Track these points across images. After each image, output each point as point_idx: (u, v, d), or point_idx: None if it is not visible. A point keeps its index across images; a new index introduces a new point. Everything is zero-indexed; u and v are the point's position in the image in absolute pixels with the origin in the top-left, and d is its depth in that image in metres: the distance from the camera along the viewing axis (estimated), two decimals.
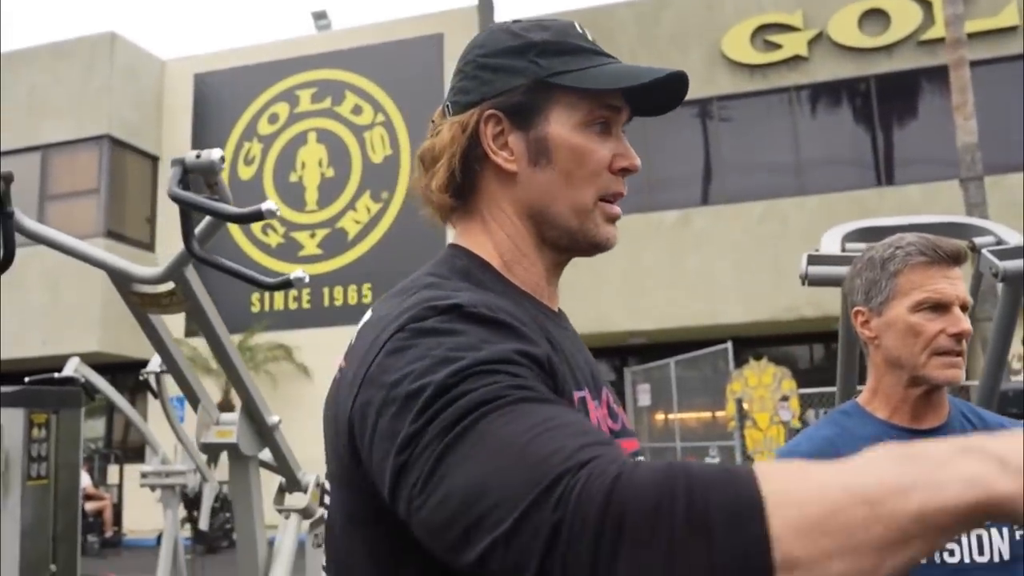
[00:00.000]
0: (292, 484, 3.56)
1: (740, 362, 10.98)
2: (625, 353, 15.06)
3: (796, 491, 0.61)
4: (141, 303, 3.11)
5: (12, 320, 14.23)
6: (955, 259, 1.49)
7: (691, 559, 0.60)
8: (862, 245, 2.39)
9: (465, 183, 0.99)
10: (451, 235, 1.07)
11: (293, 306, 14.46)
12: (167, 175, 2.39)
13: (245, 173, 15.24)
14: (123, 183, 15.27)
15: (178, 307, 3.02)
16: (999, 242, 2.72)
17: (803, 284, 2.26)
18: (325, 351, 13.72)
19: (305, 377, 13.94)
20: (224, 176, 2.46)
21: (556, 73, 0.95)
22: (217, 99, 15.74)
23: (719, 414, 11.95)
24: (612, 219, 1.03)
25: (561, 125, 0.96)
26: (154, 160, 15.69)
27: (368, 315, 0.97)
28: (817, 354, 14.16)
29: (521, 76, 0.96)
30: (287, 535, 3.33)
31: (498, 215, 1.00)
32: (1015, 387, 9.46)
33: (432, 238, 14.10)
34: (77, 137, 15.08)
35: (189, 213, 2.47)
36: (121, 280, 2.98)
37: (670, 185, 14.09)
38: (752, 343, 13.29)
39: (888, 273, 1.51)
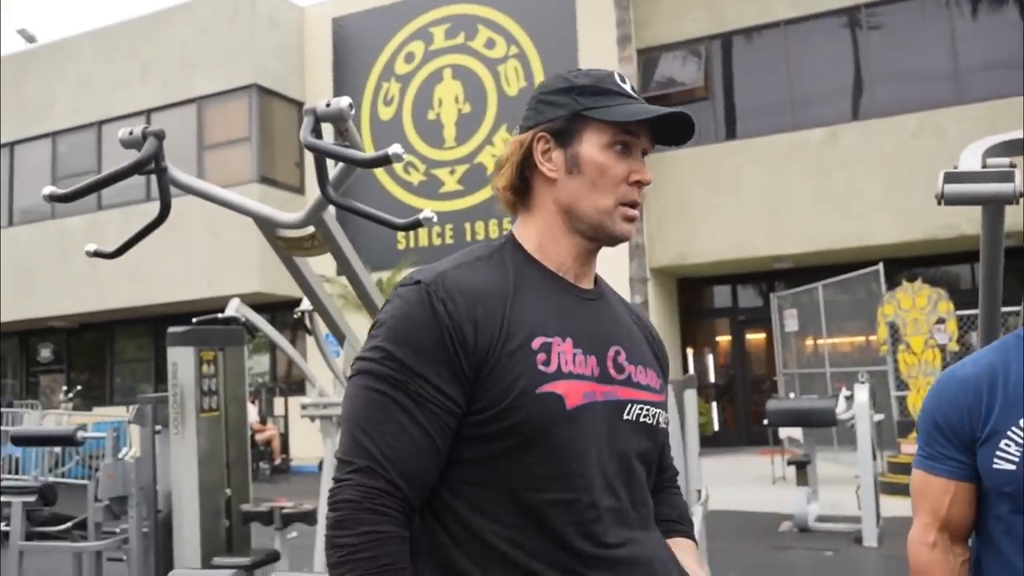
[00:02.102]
0: None
1: (892, 284, 10.52)
2: (771, 278, 14.69)
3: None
4: (286, 247, 3.29)
5: (179, 264, 15.25)
6: None
7: None
8: (1006, 160, 2.25)
9: (521, 184, 1.36)
10: None
11: (437, 242, 14.81)
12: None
13: (385, 114, 15.57)
14: (271, 130, 15.92)
15: (319, 250, 3.18)
16: None
17: (939, 204, 2.16)
18: None
19: None
20: (364, 118, 2.55)
21: (588, 108, 1.31)
22: (355, 42, 16.07)
23: (871, 338, 11.54)
24: (629, 219, 1.36)
25: (591, 146, 1.32)
26: (299, 106, 16.24)
27: None
28: (979, 273, 13.38)
29: (564, 109, 1.33)
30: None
31: (541, 210, 1.35)
32: None
33: None
34: (227, 88, 15.77)
35: (323, 160, 2.58)
36: (266, 226, 3.16)
37: (816, 102, 13.46)
38: (905, 264, 12.67)
39: None
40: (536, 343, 1.22)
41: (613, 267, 12.93)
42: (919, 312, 9.47)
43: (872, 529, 6.86)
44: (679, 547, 1.41)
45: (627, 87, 1.35)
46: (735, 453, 13.17)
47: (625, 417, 1.28)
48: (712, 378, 15.34)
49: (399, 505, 1.18)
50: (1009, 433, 1.41)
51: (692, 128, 1.36)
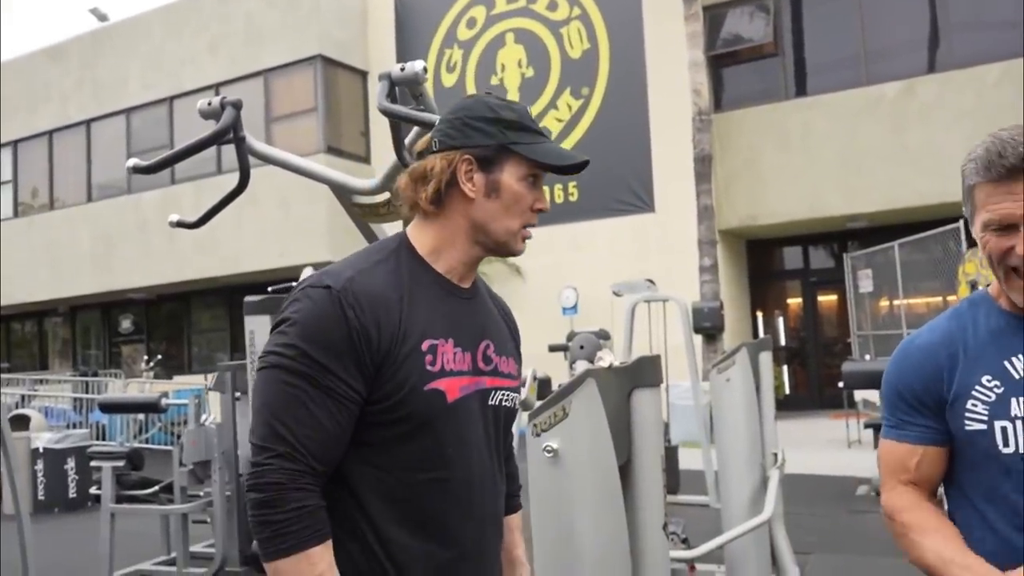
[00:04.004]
0: None
1: (973, 242, 10.16)
2: (844, 238, 14.35)
3: None
4: (361, 213, 3.31)
5: (252, 235, 15.54)
6: (1020, 170, 1.36)
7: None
8: None
9: (441, 198, 1.50)
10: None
11: None
12: (375, 90, 2.50)
13: (448, 80, 15.55)
14: (337, 100, 16.04)
15: (394, 216, 3.19)
16: None
17: None
18: (535, 250, 14.00)
19: (517, 276, 14.34)
20: (428, 85, 2.55)
21: (514, 143, 1.49)
22: (417, 9, 16.04)
23: (950, 298, 11.21)
24: (527, 238, 1.56)
25: (510, 176, 1.49)
26: (363, 75, 16.32)
27: None
28: None
29: (492, 138, 1.48)
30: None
31: (449, 220, 1.51)
32: None
33: (634, 132, 13.89)
34: (292, 60, 15.91)
35: (398, 125, 2.58)
36: (342, 192, 3.18)
37: (890, 54, 13.02)
38: None
39: (966, 188, 1.45)
40: (425, 345, 1.42)
41: (681, 230, 12.79)
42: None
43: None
44: (510, 527, 1.71)
45: (537, 125, 1.54)
46: (807, 417, 12.99)
47: (490, 402, 1.53)
48: (783, 341, 15.11)
49: (318, 483, 1.36)
50: (974, 392, 1.45)
51: (585, 167, 1.55)
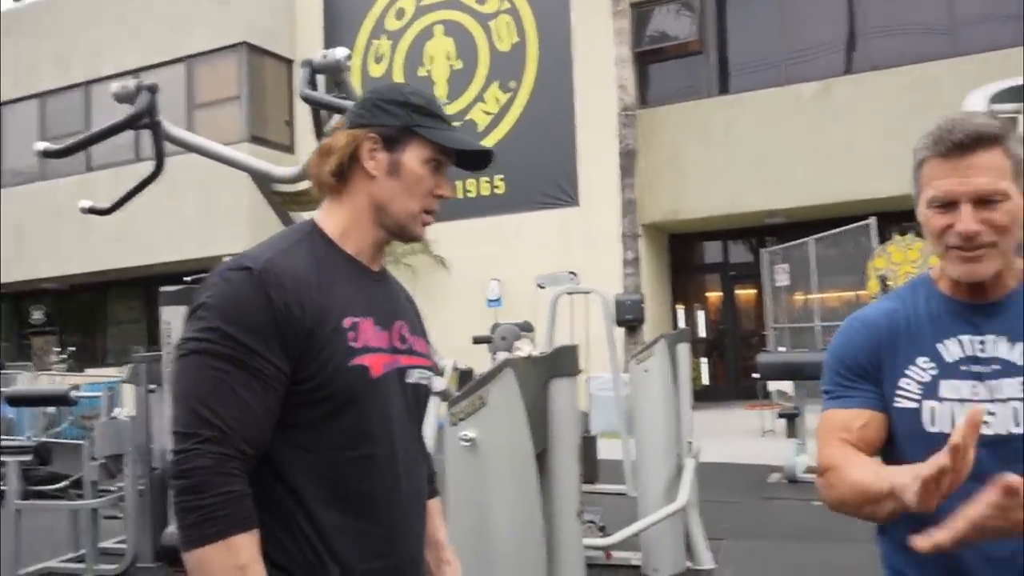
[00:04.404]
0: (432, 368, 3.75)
1: (884, 238, 10.55)
2: (762, 233, 14.71)
3: None
4: (282, 202, 3.29)
5: (171, 225, 15.18)
6: (967, 147, 1.41)
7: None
8: (1012, 106, 2.27)
9: (345, 173, 1.52)
10: None
11: None
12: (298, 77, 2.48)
13: (376, 71, 15.42)
14: (262, 88, 15.76)
15: (315, 204, 3.17)
16: None
17: None
18: (460, 243, 14.03)
19: (442, 268, 14.33)
20: (355, 75, 2.55)
21: (419, 126, 1.52)
22: None
23: (860, 293, 11.60)
24: (427, 224, 1.57)
25: (413, 157, 1.52)
26: (289, 64, 16.06)
27: None
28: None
29: (398, 119, 1.52)
30: (428, 417, 3.54)
31: (354, 201, 1.54)
32: None
33: (560, 126, 13.99)
34: (217, 46, 15.58)
35: (319, 112, 2.57)
36: (262, 180, 3.15)
37: (809, 56, 13.38)
38: (897, 218, 12.67)
39: (916, 163, 1.49)
40: (347, 322, 1.44)
41: (605, 224, 12.95)
42: (911, 266, 9.52)
43: None
44: (430, 513, 1.69)
45: (446, 113, 1.59)
46: (724, 407, 13.29)
47: (407, 381, 1.55)
48: (702, 333, 15.44)
49: (245, 468, 1.35)
50: (907, 372, 1.49)
51: (490, 161, 1.62)
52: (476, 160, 1.62)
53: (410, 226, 1.55)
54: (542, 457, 3.03)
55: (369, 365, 1.44)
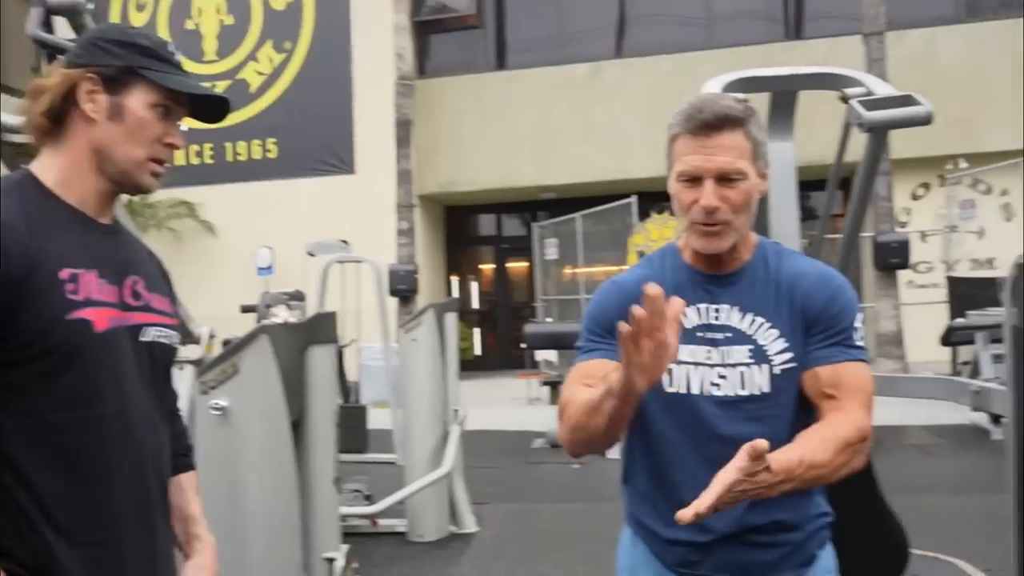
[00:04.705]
0: (186, 336, 3.58)
1: (644, 216, 11.20)
2: (535, 208, 15.17)
3: None
4: (14, 154, 3.00)
5: None
6: (713, 126, 1.51)
7: None
8: (744, 96, 2.45)
9: (59, 116, 1.40)
10: None
11: (196, 161, 14.00)
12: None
13: (138, 19, 14.36)
14: (6, 32, 14.27)
15: None
16: (869, 93, 2.81)
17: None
18: (229, 207, 13.45)
19: (209, 234, 13.69)
20: (114, 22, 2.35)
21: (144, 68, 1.42)
22: None
23: (623, 267, 12.24)
24: (156, 174, 1.46)
25: (137, 101, 1.42)
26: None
27: None
28: None
29: (121, 60, 1.41)
30: (182, 385, 3.37)
31: (73, 147, 1.42)
32: (898, 238, 9.94)
33: (336, 92, 13.70)
34: None
35: (54, 57, 2.36)
36: None
37: (582, 37, 13.88)
38: (658, 197, 13.42)
39: (668, 139, 1.57)
40: (65, 273, 1.33)
41: (381, 194, 12.85)
42: (664, 242, 10.14)
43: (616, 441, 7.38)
44: (182, 487, 1.62)
45: (177, 59, 1.49)
46: (496, 377, 13.65)
47: (143, 339, 1.45)
48: (475, 304, 15.75)
49: None
50: None
51: (227, 111, 1.52)
52: (212, 110, 1.52)
53: (136, 175, 1.44)
54: (298, 425, 2.97)
55: (92, 319, 1.34)
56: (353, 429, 6.30)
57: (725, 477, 1.26)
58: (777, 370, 1.54)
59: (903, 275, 11.22)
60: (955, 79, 11.75)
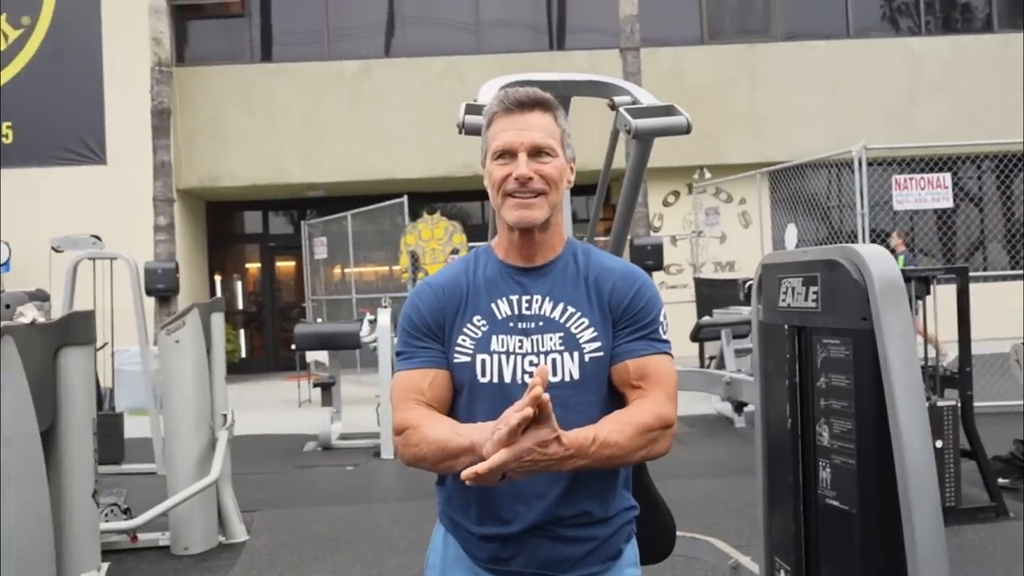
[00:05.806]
0: None
1: (415, 216, 11.25)
2: (304, 206, 14.82)
3: None
4: None
5: None
6: (526, 106, 1.61)
7: None
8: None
9: None
10: None
11: None
12: None
13: None
14: None
15: None
16: (635, 102, 2.97)
17: (460, 133, 2.36)
18: None
19: None
20: None
21: None
22: None
23: (394, 267, 12.24)
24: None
25: None
26: None
27: None
28: (489, 210, 14.83)
29: None
30: None
31: None
32: (653, 242, 10.63)
33: (85, 76, 12.67)
34: None
35: None
36: None
37: (352, 34, 13.71)
38: (428, 198, 13.60)
39: (485, 124, 1.66)
40: None
41: (136, 187, 12.03)
42: (436, 242, 10.26)
43: (388, 443, 7.36)
44: None
45: None
46: (263, 379, 13.21)
47: None
48: (241, 305, 15.16)
49: None
50: (464, 330, 1.64)
51: None
52: None
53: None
54: (50, 434, 2.72)
55: None
56: (108, 438, 5.88)
57: (510, 418, 1.33)
58: (587, 358, 1.60)
59: (656, 276, 12.00)
60: (700, 95, 12.72)
